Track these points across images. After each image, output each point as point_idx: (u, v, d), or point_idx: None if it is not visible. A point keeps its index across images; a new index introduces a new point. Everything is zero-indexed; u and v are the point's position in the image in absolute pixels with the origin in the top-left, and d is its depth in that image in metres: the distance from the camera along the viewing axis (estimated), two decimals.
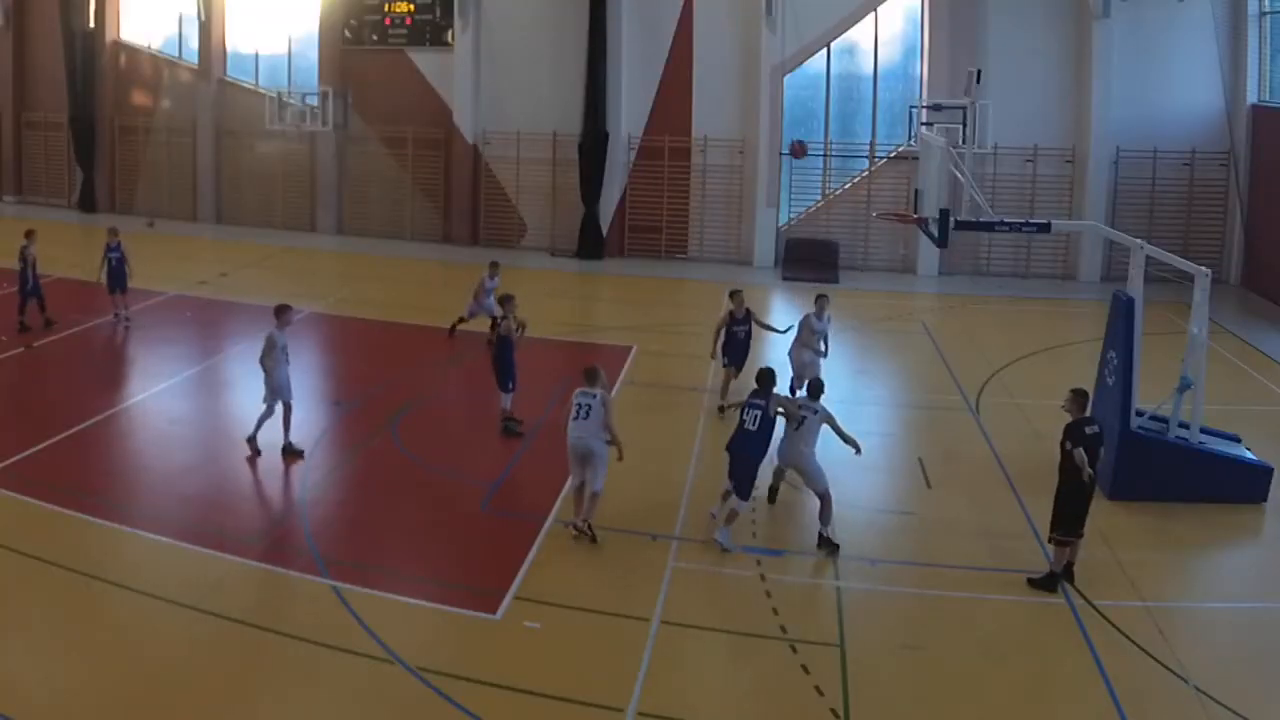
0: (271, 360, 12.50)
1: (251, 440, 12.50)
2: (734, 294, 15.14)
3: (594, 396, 10.67)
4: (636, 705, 8.04)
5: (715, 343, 14.99)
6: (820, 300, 15.11)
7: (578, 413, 10.66)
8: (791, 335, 15.12)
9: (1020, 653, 9.04)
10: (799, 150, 18.65)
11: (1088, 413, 10.36)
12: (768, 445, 10.89)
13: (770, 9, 24.92)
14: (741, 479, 10.67)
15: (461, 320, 18.15)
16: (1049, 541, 10.10)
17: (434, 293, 22.36)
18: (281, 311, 12.81)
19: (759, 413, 10.64)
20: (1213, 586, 10.62)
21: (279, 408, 12.62)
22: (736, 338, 14.91)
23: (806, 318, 14.93)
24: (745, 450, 10.68)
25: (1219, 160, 23.78)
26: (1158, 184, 24.08)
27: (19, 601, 9.25)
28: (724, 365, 14.97)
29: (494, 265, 18.32)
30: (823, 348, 14.83)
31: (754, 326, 15.12)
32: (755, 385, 10.96)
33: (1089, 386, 12.99)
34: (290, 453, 12.59)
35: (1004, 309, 22.12)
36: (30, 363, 16.34)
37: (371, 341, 18.53)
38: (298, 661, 8.52)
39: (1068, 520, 9.85)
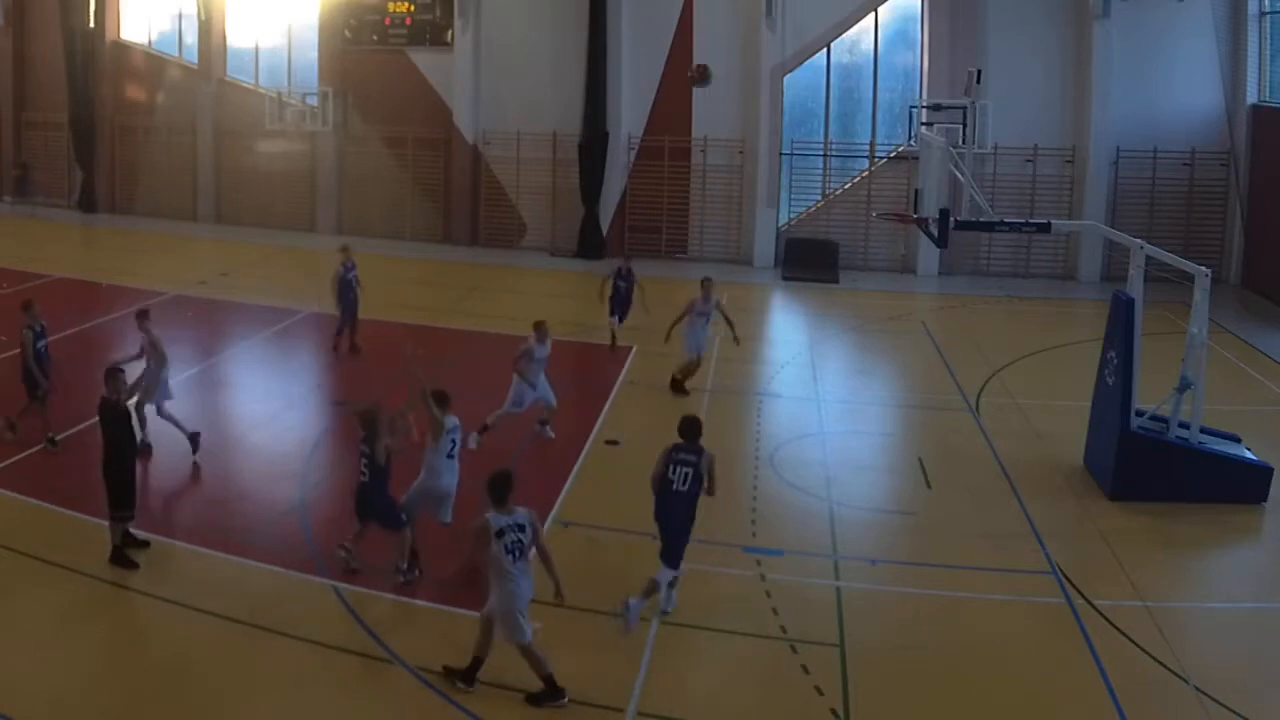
0: (529, 370, 13.11)
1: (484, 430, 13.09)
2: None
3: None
4: (636, 705, 8.04)
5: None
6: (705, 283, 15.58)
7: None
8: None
9: (1020, 652, 9.03)
10: (699, 76, 16.95)
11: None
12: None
13: (770, 9, 24.92)
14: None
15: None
16: None
17: (434, 293, 22.37)
18: (540, 327, 13.37)
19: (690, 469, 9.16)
20: (1213, 586, 10.61)
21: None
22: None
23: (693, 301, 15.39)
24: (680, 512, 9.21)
25: (1219, 160, 23.78)
26: (1158, 184, 24.07)
27: (19, 601, 9.24)
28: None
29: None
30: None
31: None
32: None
33: (1088, 386, 13.05)
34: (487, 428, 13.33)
35: (1004, 309, 22.12)
36: None
37: (371, 341, 18.50)
38: (298, 661, 8.51)
39: None
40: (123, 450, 9.97)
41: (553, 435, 13.63)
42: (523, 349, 13.20)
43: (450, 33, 27.17)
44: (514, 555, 7.79)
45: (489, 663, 8.19)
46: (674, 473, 9.11)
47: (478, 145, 27.34)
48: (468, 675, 8.10)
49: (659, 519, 9.19)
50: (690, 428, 9.31)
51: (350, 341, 17.08)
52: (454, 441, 10.07)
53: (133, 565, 9.81)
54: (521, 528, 7.85)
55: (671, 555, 9.13)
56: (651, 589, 9.02)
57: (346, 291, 16.82)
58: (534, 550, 8.02)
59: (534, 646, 7.93)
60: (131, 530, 10.08)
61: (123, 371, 10.25)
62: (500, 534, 7.77)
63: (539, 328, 13.34)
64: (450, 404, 10.12)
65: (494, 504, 7.92)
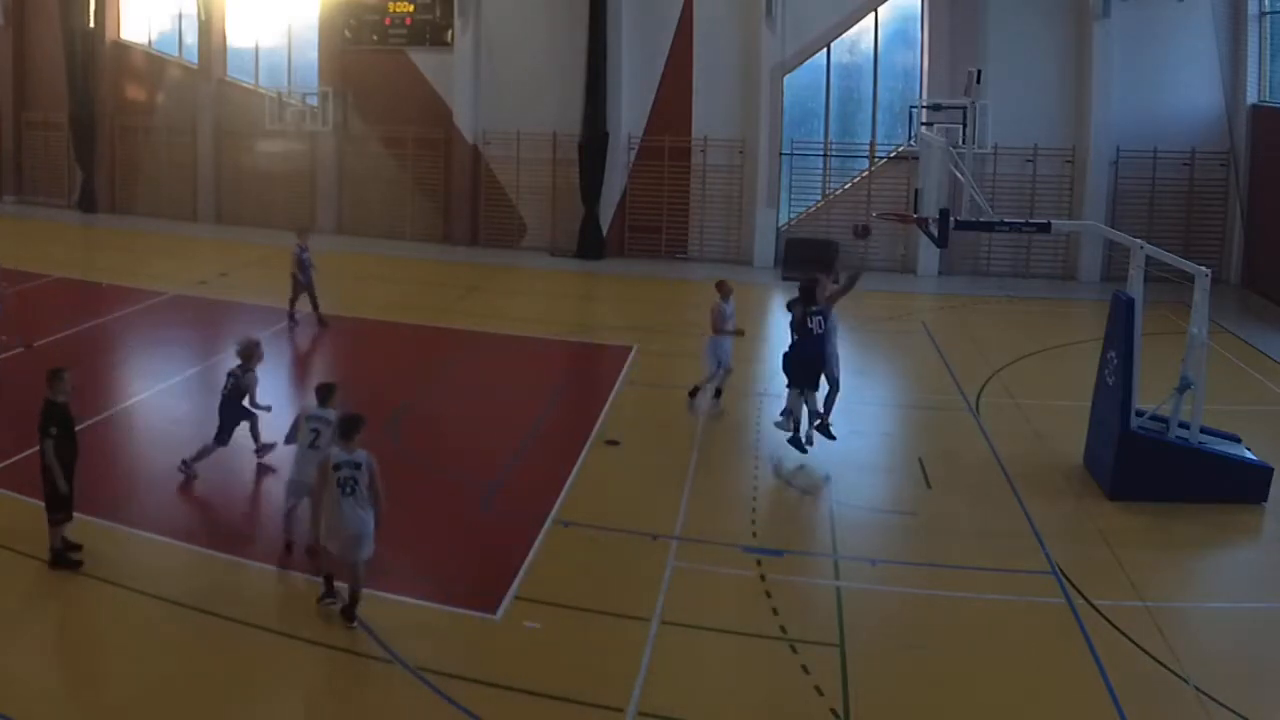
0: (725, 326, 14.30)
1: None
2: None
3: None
4: (636, 705, 8.04)
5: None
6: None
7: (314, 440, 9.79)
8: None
9: (1020, 653, 9.03)
10: (862, 232, 18.11)
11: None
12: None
13: (770, 9, 24.91)
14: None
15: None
16: None
17: (434, 293, 22.38)
18: (722, 285, 14.60)
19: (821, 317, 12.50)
20: (1213, 586, 10.61)
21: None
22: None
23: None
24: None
25: (1219, 160, 23.77)
26: (1158, 184, 24.06)
27: (18, 601, 9.24)
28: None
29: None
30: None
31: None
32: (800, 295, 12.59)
33: (1088, 386, 13.05)
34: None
35: (1004, 309, 22.11)
36: (30, 363, 16.32)
37: (371, 341, 18.53)
38: (298, 661, 8.52)
39: None
40: (63, 452, 9.83)
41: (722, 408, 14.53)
42: (714, 308, 14.23)
43: (450, 33, 27.17)
44: (344, 490, 8.61)
45: (488, 663, 8.18)
46: (811, 320, 12.53)
47: (478, 145, 27.33)
48: (349, 611, 8.85)
49: (801, 354, 12.66)
50: (809, 291, 12.59)
51: (316, 315, 19.07)
52: (315, 432, 9.73)
53: (75, 565, 9.72)
54: (357, 465, 8.64)
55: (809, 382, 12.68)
56: (800, 414, 12.76)
57: (303, 270, 18.97)
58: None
59: (360, 570, 8.79)
60: (67, 536, 9.93)
61: (65, 372, 10.13)
62: (336, 468, 8.61)
63: (721, 286, 14.40)
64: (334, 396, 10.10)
65: (340, 441, 8.77)
